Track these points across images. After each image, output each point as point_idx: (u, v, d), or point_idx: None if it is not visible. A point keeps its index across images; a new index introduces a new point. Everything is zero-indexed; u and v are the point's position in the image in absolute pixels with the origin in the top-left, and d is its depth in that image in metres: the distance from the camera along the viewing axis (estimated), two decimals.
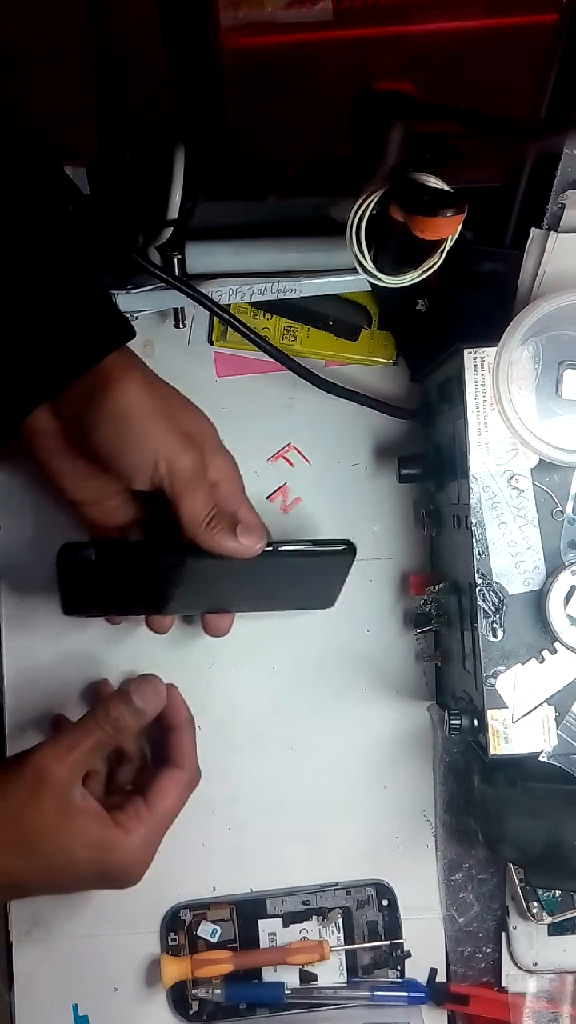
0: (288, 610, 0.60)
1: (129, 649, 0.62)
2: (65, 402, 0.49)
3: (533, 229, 0.52)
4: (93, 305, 0.49)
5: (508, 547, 0.50)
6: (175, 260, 0.55)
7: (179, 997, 0.62)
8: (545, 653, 0.50)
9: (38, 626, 0.62)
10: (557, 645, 0.50)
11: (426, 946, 0.63)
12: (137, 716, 0.52)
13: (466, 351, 0.50)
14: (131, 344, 0.50)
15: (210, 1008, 0.61)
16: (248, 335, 0.56)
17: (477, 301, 0.55)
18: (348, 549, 0.55)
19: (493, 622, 0.50)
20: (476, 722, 0.51)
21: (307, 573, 0.56)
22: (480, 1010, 0.62)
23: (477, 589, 0.50)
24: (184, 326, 0.60)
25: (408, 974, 0.63)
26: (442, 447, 0.57)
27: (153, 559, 0.53)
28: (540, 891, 0.60)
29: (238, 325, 0.56)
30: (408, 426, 0.63)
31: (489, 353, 0.50)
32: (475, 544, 0.50)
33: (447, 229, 0.48)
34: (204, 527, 0.51)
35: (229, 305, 0.57)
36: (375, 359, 0.62)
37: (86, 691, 0.62)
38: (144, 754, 0.58)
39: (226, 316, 0.55)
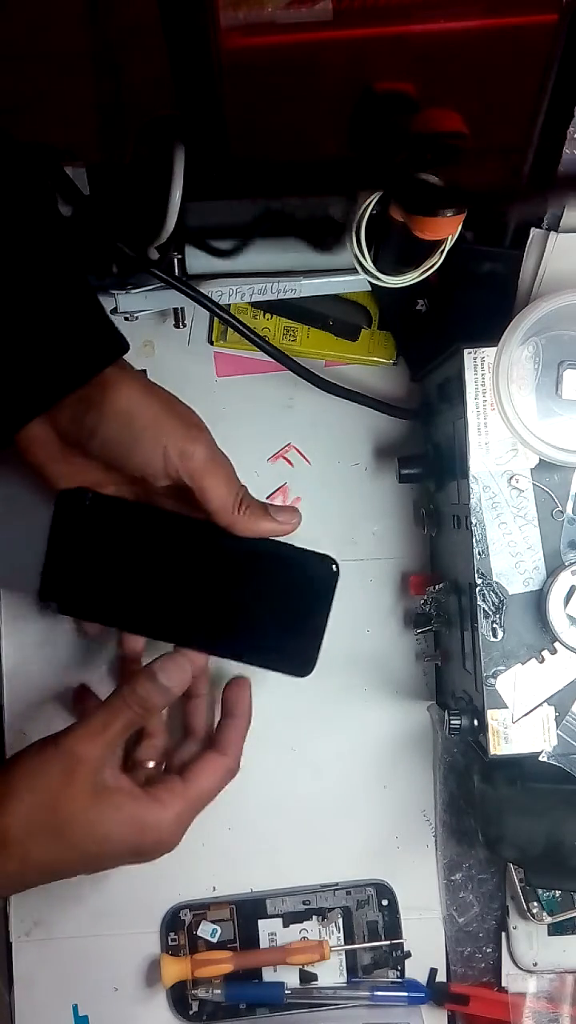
0: (261, 662, 0.55)
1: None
2: (61, 412, 0.50)
3: (533, 229, 0.52)
4: (88, 319, 0.49)
5: (508, 547, 0.50)
6: (175, 260, 0.55)
7: (179, 997, 0.62)
8: (545, 653, 0.50)
9: (38, 627, 0.62)
10: (557, 645, 0.50)
11: (426, 946, 0.63)
12: (164, 694, 0.51)
13: (466, 351, 0.50)
14: (131, 344, 0.50)
15: (210, 1008, 0.61)
16: (248, 335, 0.56)
17: (477, 301, 0.55)
18: (332, 563, 0.54)
19: (493, 622, 0.50)
20: (476, 722, 0.51)
21: (289, 583, 0.54)
22: (480, 1010, 0.62)
23: (477, 589, 0.50)
24: (184, 326, 0.60)
25: (408, 974, 0.63)
26: (442, 447, 0.57)
27: (146, 516, 0.54)
28: (540, 891, 0.60)
29: (238, 325, 0.56)
30: (408, 426, 0.63)
31: (489, 353, 0.50)
32: (475, 544, 0.50)
33: (447, 229, 0.48)
34: (236, 510, 0.51)
35: (229, 305, 0.57)
36: (375, 359, 0.62)
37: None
38: (166, 730, 0.58)
39: (226, 316, 0.55)
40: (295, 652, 0.54)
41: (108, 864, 0.51)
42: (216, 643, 0.55)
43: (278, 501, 0.63)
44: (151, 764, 0.56)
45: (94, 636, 0.61)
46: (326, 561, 0.54)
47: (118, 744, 0.51)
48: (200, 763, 0.54)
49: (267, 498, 0.62)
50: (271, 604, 0.54)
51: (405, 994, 0.62)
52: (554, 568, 0.50)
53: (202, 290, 0.55)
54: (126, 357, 0.50)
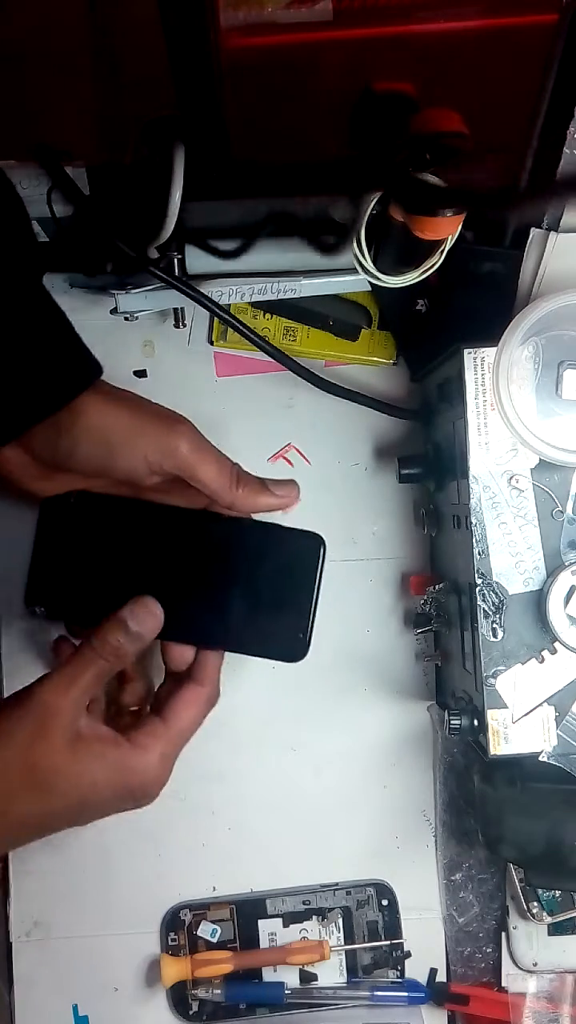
0: (254, 650, 0.55)
1: None
2: (33, 438, 0.49)
3: (533, 229, 0.52)
4: (59, 346, 0.49)
5: (508, 547, 0.50)
6: (175, 260, 0.55)
7: (179, 997, 0.62)
8: (545, 653, 0.50)
9: (38, 629, 0.62)
10: (557, 645, 0.50)
11: (426, 946, 0.63)
12: (135, 641, 0.51)
13: (466, 351, 0.50)
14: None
15: (210, 1008, 0.61)
16: (248, 335, 0.56)
17: (477, 301, 0.55)
18: (318, 540, 0.54)
19: (493, 622, 0.50)
20: (476, 722, 0.51)
21: (276, 566, 0.54)
22: (480, 1010, 0.62)
23: (477, 589, 0.50)
24: (184, 326, 0.60)
25: (408, 974, 0.63)
26: (442, 447, 0.57)
27: (130, 511, 0.54)
28: (540, 891, 0.60)
29: (238, 325, 0.56)
30: (408, 426, 0.63)
31: (489, 353, 0.49)
32: (475, 544, 0.50)
33: (447, 229, 0.48)
34: (233, 488, 0.51)
35: (229, 305, 0.57)
36: (375, 359, 0.62)
37: None
38: (148, 672, 0.57)
39: (226, 316, 0.55)
40: (286, 636, 0.54)
41: (97, 813, 0.51)
42: (208, 635, 0.54)
43: None
44: (134, 708, 0.56)
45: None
46: (312, 539, 0.54)
47: (91, 693, 0.50)
48: (178, 698, 0.53)
49: None
50: (259, 589, 0.54)
51: (405, 994, 0.62)
52: (554, 568, 0.50)
53: (202, 290, 0.55)
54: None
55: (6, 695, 0.62)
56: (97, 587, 0.54)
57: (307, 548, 0.54)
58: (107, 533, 0.54)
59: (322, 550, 0.53)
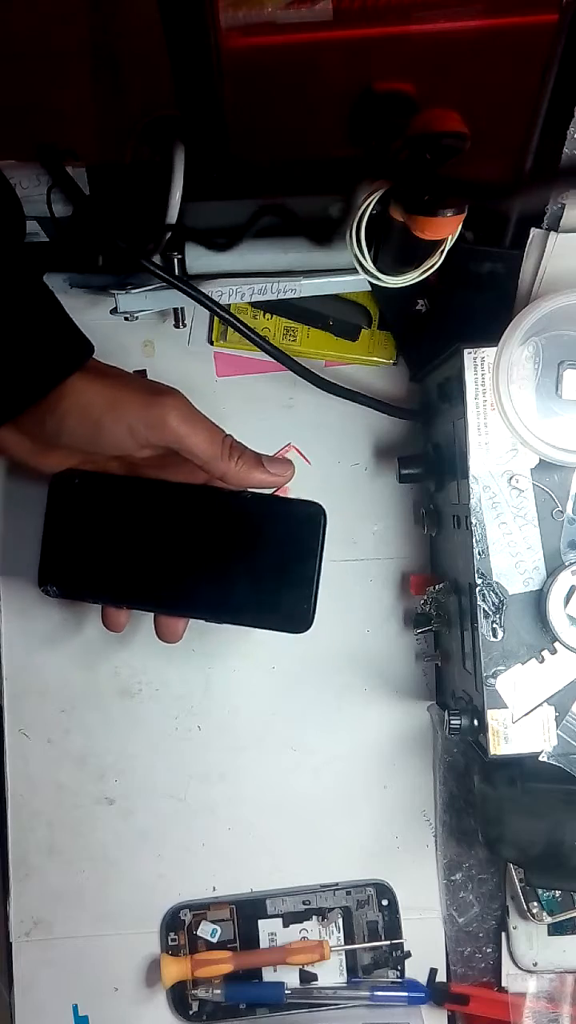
0: (260, 622, 0.56)
1: (128, 649, 0.62)
2: (22, 420, 0.50)
3: (533, 229, 0.52)
4: (46, 330, 0.49)
5: (508, 547, 0.50)
6: (175, 260, 0.55)
7: (179, 997, 0.62)
8: (545, 653, 0.50)
9: (38, 626, 0.62)
10: (557, 645, 0.50)
11: (426, 946, 0.63)
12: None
13: (466, 351, 0.50)
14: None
15: (210, 1008, 0.61)
16: (248, 335, 0.56)
17: (477, 301, 0.55)
18: (318, 509, 0.54)
19: (493, 622, 0.50)
20: (476, 722, 0.51)
21: (279, 536, 0.54)
22: (480, 1010, 0.62)
23: (477, 589, 0.50)
24: (184, 326, 0.60)
25: (408, 974, 0.63)
26: (442, 447, 0.57)
27: (134, 489, 0.55)
28: (540, 891, 0.60)
29: (239, 325, 0.56)
30: (408, 426, 0.63)
31: (489, 353, 0.49)
32: (475, 544, 0.50)
33: (447, 229, 0.48)
34: (226, 459, 0.52)
35: (229, 305, 0.57)
36: (375, 359, 0.62)
37: (86, 691, 0.62)
38: None
39: (226, 316, 0.55)
40: (291, 607, 0.54)
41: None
42: (214, 609, 0.55)
43: None
44: None
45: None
46: (312, 507, 0.54)
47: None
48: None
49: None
50: (264, 560, 0.54)
51: (405, 994, 0.62)
52: (554, 568, 0.50)
53: (202, 290, 0.55)
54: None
55: (6, 694, 0.62)
56: (105, 565, 0.55)
57: (309, 518, 0.54)
58: (113, 512, 0.55)
59: (323, 519, 0.54)
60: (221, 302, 0.56)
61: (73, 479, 0.55)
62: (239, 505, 0.54)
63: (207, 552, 0.55)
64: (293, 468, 0.54)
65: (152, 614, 0.56)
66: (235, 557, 0.54)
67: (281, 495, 0.60)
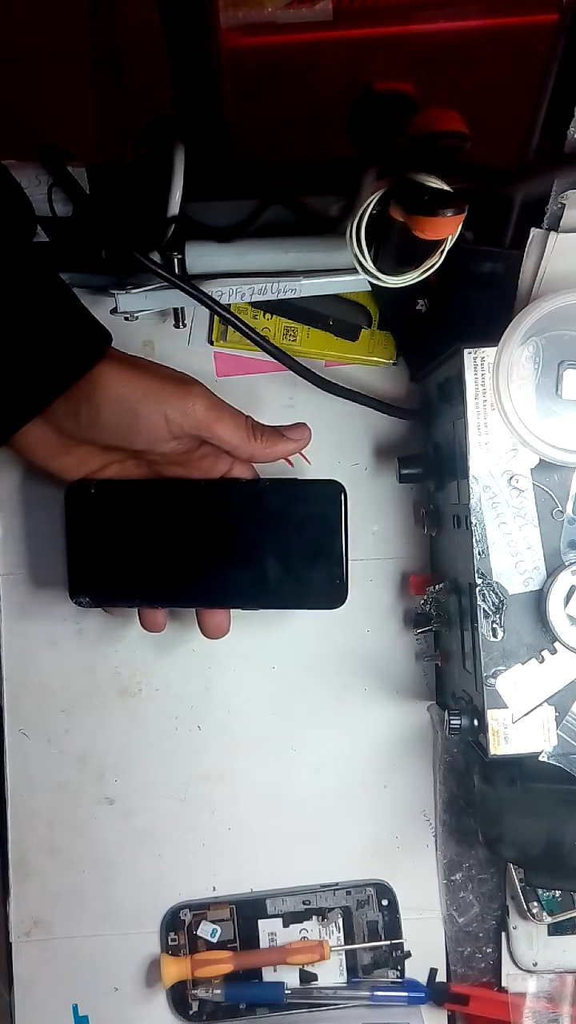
0: (296, 603, 0.57)
1: (128, 649, 0.62)
2: (54, 411, 0.50)
3: (533, 229, 0.52)
4: (68, 317, 0.50)
5: (508, 547, 0.50)
6: (175, 260, 0.55)
7: (179, 997, 0.62)
8: (545, 653, 0.50)
9: (38, 626, 0.62)
10: (557, 645, 0.50)
11: (426, 946, 0.63)
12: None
13: (466, 351, 0.50)
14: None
15: (210, 1008, 0.61)
16: (249, 334, 0.56)
17: (477, 301, 0.55)
18: (337, 486, 0.55)
19: (493, 622, 0.50)
20: (476, 722, 0.51)
21: (302, 518, 0.55)
22: (480, 1010, 0.62)
23: (477, 589, 0.50)
24: (184, 326, 0.60)
25: (408, 974, 0.63)
26: (442, 447, 0.57)
27: (152, 490, 0.55)
28: (540, 891, 0.60)
29: (239, 324, 0.56)
30: (408, 426, 0.62)
31: (489, 353, 0.49)
32: (475, 544, 0.50)
33: (447, 229, 0.48)
34: (252, 440, 0.53)
35: (229, 305, 0.57)
36: (375, 359, 0.62)
37: (86, 691, 0.62)
38: None
39: (227, 315, 0.55)
40: (324, 584, 0.55)
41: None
42: (248, 596, 0.56)
43: None
44: None
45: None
46: (331, 485, 0.55)
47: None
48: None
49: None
50: (290, 543, 0.55)
51: (405, 994, 0.62)
52: (554, 568, 0.50)
53: (203, 289, 0.55)
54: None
55: (6, 693, 0.62)
56: (134, 568, 0.56)
57: (329, 495, 0.55)
58: (134, 515, 0.55)
59: (343, 495, 0.55)
60: (221, 302, 0.56)
61: (89, 488, 0.55)
62: (259, 493, 0.55)
63: (233, 543, 0.55)
64: (309, 430, 0.56)
65: (184, 622, 0.56)
66: (262, 544, 0.55)
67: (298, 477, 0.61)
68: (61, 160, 0.53)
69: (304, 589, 0.55)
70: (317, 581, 0.55)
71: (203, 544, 0.55)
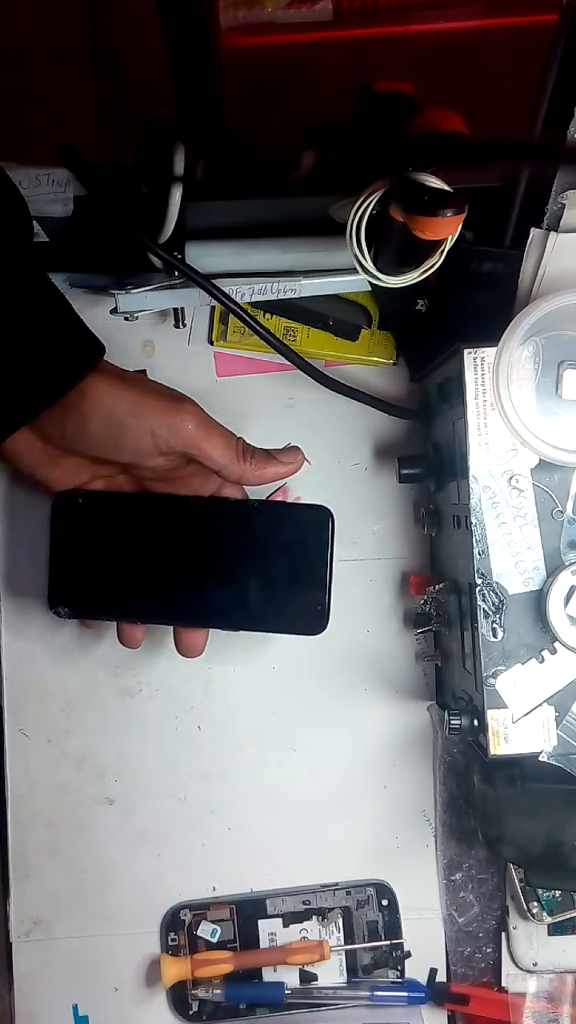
0: (276, 627, 0.56)
1: (128, 650, 0.62)
2: (42, 421, 0.50)
3: (533, 229, 0.52)
4: (61, 328, 0.50)
5: (508, 547, 0.50)
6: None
7: (179, 997, 0.62)
8: (545, 653, 0.50)
9: (38, 629, 0.62)
10: (557, 645, 0.50)
11: (426, 946, 0.63)
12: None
13: (466, 351, 0.50)
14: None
15: (210, 1008, 0.61)
16: (253, 326, 0.56)
17: (477, 301, 0.55)
18: (325, 512, 0.54)
19: (493, 622, 0.50)
20: (476, 722, 0.51)
21: (287, 542, 0.55)
22: (480, 1010, 0.62)
23: (477, 589, 0.50)
24: (184, 326, 0.60)
25: (408, 974, 0.63)
26: (442, 447, 0.57)
27: (139, 505, 0.55)
28: (540, 891, 0.60)
29: (247, 318, 0.56)
30: (408, 426, 0.63)
31: (489, 353, 0.50)
32: (475, 544, 0.50)
33: (447, 229, 0.48)
34: (241, 461, 0.53)
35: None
36: (375, 359, 0.62)
37: (84, 692, 0.62)
38: None
39: (236, 308, 0.55)
40: (305, 611, 0.54)
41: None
42: (229, 618, 0.55)
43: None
44: None
45: (95, 627, 0.61)
46: (319, 511, 0.54)
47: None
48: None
49: (267, 497, 0.62)
50: (274, 566, 0.55)
51: (405, 994, 0.62)
52: (554, 568, 0.50)
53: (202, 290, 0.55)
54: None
55: (6, 693, 0.62)
56: (116, 582, 0.55)
57: (316, 521, 0.54)
58: (119, 529, 0.55)
59: (331, 522, 0.54)
60: None
61: (76, 499, 0.55)
62: (246, 514, 0.54)
63: (217, 562, 0.55)
64: (302, 453, 0.55)
65: (172, 630, 0.56)
66: (246, 565, 0.54)
67: (287, 500, 0.60)
68: (82, 158, 0.53)
69: (285, 613, 0.54)
70: (299, 606, 0.54)
71: (188, 562, 0.55)
